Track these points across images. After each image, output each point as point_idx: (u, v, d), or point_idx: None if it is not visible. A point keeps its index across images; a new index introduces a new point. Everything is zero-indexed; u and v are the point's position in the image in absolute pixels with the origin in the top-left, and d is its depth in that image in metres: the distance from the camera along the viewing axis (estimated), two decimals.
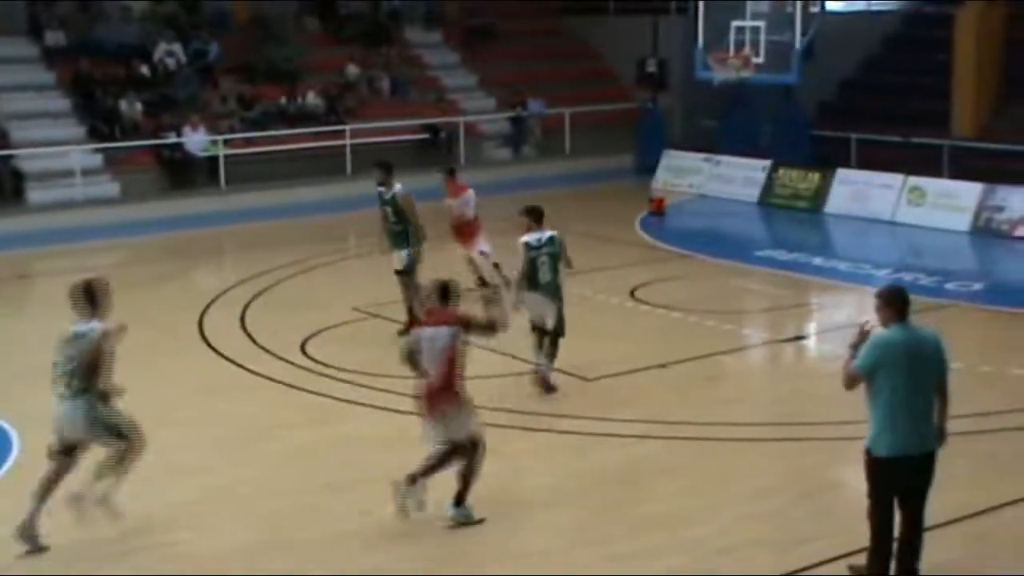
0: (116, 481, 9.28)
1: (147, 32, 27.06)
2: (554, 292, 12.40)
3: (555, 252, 12.34)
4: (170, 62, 26.32)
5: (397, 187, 14.73)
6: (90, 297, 9.17)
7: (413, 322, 14.52)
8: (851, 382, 8.01)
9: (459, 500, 9.41)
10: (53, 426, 9.22)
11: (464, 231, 15.95)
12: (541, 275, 12.24)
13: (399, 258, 14.71)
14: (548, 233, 12.40)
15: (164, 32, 26.88)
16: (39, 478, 9.26)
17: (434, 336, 9.36)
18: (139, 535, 9.47)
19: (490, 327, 9.67)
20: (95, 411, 9.08)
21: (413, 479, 9.31)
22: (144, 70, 25.95)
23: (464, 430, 9.36)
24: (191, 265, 20.53)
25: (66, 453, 9.20)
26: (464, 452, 9.37)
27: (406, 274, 14.69)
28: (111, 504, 9.27)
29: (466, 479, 9.40)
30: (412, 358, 9.49)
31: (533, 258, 12.25)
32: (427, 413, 9.37)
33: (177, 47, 26.56)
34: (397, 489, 9.33)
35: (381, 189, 14.82)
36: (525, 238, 12.35)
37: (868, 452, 8.04)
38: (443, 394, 9.31)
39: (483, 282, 15.79)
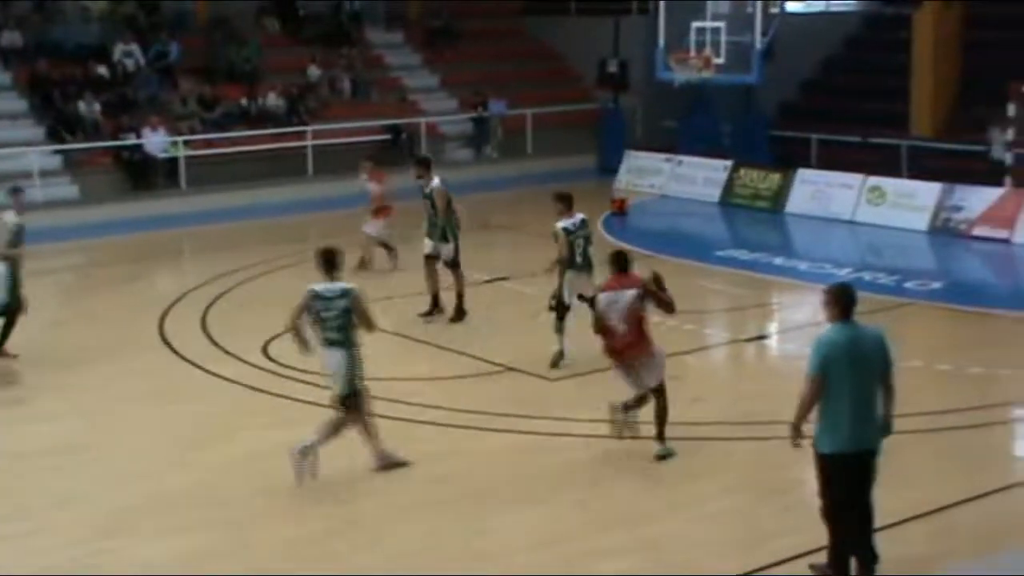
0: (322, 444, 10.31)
1: (106, 32, 26.84)
2: (590, 270, 13.34)
3: (588, 234, 13.46)
4: (129, 63, 26.13)
5: (435, 182, 15.32)
6: (330, 261, 10.51)
7: (436, 306, 15.60)
8: (814, 394, 8.08)
9: (660, 436, 10.69)
10: (330, 377, 10.44)
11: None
12: (578, 255, 13.23)
13: (439, 248, 15.39)
14: (580, 216, 13.44)
15: (123, 33, 26.69)
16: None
17: (617, 298, 10.62)
18: (93, 540, 9.40)
19: (668, 306, 10.87)
20: (351, 363, 10.36)
21: (626, 407, 10.82)
22: (102, 71, 25.75)
23: (655, 377, 10.63)
24: (152, 267, 20.40)
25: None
26: (657, 395, 10.66)
27: (452, 265, 15.46)
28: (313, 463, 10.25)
29: (660, 419, 10.67)
30: (601, 322, 10.70)
31: (571, 241, 13.19)
32: (619, 364, 10.73)
33: (135, 48, 26.38)
34: (613, 411, 10.86)
35: (420, 183, 15.44)
36: (562, 224, 13.30)
37: (814, 448, 8.15)
38: (633, 347, 10.62)
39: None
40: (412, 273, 16.47)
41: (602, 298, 10.72)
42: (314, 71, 27.87)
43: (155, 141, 24.37)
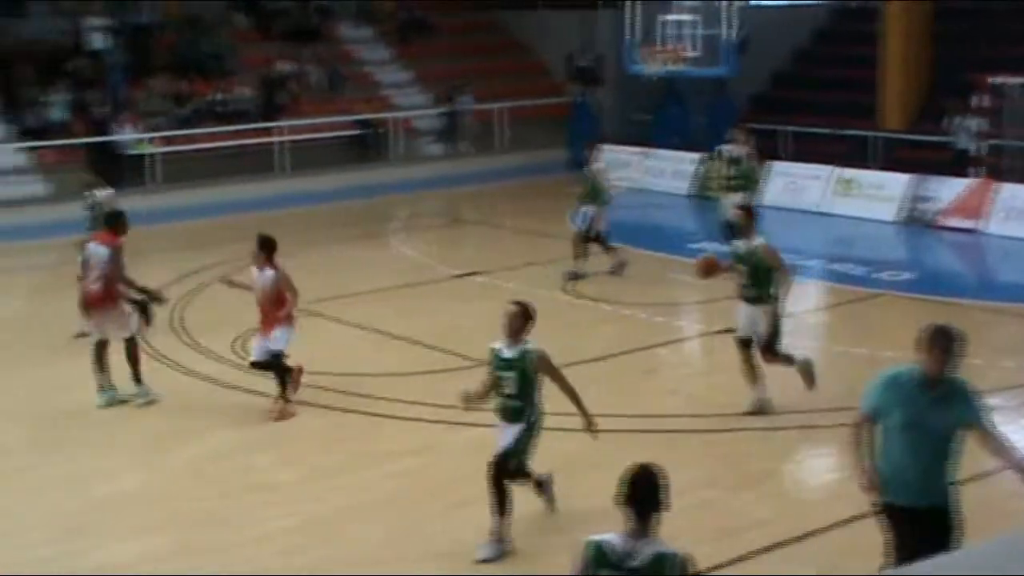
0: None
1: (75, 25, 26.47)
2: None
3: None
4: (97, 39, 25.73)
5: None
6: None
7: None
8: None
9: None
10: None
11: None
12: None
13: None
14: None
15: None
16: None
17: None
18: (62, 540, 9.34)
19: None
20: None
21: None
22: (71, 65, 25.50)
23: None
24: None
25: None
26: None
27: None
28: None
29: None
30: None
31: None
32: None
33: (105, 22, 26.01)
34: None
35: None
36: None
37: None
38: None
39: None
40: None
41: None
42: (285, 67, 27.74)
43: (125, 137, 24.20)
